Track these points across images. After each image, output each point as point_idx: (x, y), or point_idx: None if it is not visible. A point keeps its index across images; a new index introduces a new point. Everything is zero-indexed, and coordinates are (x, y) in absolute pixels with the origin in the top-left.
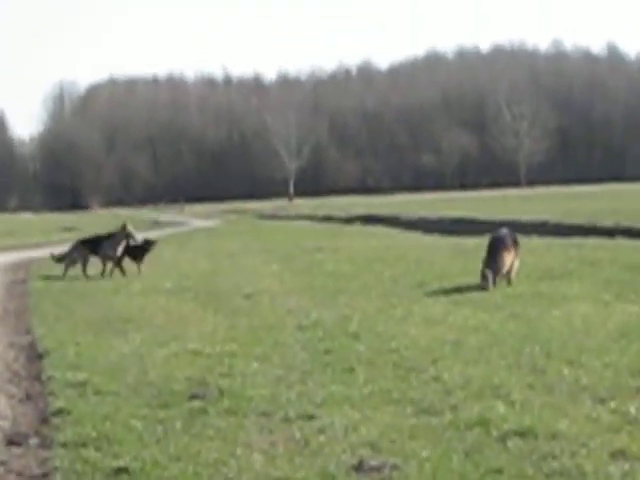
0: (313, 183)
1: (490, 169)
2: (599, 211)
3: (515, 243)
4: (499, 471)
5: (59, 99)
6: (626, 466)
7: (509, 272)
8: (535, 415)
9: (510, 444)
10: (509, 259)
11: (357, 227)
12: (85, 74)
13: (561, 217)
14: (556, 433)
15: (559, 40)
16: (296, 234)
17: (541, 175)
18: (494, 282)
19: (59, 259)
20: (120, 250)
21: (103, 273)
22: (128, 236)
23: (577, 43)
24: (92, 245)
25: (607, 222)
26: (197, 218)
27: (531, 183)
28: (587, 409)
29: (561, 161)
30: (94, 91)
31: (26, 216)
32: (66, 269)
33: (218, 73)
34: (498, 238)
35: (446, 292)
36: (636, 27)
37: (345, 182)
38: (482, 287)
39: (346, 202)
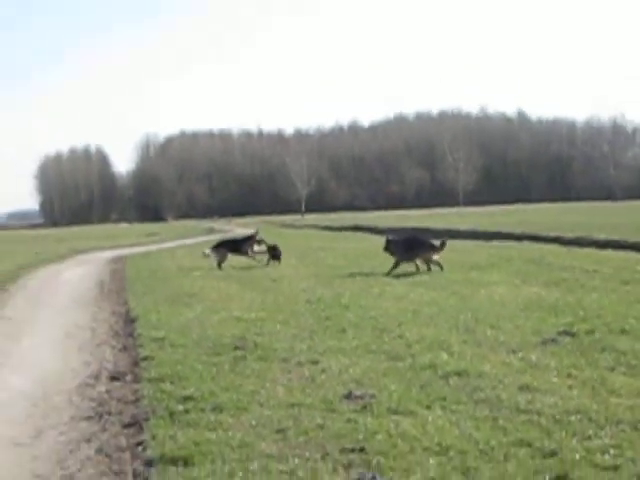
0: (317, 204)
1: (438, 194)
2: (512, 223)
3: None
4: (444, 399)
5: (146, 146)
6: (529, 396)
7: (428, 262)
8: (468, 361)
9: (451, 381)
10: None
11: (348, 233)
12: (163, 128)
13: (486, 227)
14: (482, 373)
15: (484, 106)
16: (306, 238)
17: (472, 198)
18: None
19: (211, 254)
20: (254, 248)
21: (268, 263)
22: (259, 239)
23: (497, 108)
24: (231, 245)
25: (517, 230)
26: (239, 227)
27: (466, 204)
28: (503, 357)
29: (486, 189)
30: (170, 141)
31: (123, 225)
32: (219, 263)
33: (254, 128)
34: (414, 239)
35: (408, 277)
36: (538, 98)
37: (339, 203)
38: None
39: (340, 217)
